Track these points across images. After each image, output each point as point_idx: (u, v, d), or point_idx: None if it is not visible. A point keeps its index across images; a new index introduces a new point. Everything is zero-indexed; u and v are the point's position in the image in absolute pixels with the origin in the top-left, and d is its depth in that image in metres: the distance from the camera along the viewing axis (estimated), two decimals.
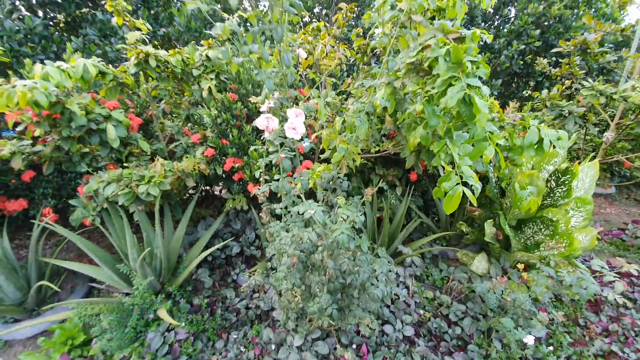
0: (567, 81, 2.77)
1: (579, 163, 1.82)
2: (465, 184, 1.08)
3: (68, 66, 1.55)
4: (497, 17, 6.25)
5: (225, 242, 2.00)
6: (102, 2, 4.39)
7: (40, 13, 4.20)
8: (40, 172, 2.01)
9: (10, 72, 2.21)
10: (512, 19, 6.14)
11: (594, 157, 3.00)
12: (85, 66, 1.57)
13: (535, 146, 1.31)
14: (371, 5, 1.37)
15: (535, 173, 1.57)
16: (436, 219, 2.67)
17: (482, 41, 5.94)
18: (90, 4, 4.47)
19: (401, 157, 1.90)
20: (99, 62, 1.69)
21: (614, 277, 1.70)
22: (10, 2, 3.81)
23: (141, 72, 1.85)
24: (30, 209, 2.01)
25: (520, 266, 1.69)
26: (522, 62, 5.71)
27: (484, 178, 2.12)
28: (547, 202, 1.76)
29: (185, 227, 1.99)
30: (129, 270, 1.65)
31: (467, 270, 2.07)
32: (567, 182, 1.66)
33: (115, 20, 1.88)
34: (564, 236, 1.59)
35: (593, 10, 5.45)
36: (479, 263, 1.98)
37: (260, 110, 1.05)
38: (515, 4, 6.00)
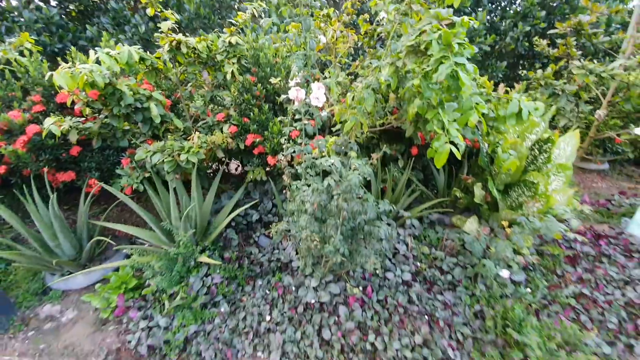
0: (560, 61, 2.98)
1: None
2: (453, 143, 1.37)
3: (115, 52, 1.83)
4: None
5: (246, 206, 2.32)
6: None
7: (53, 3, 4.42)
8: (85, 148, 2.34)
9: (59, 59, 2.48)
10: (518, 1, 6.15)
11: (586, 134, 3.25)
12: (130, 52, 1.85)
13: (516, 116, 1.59)
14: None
15: (519, 141, 1.85)
16: (435, 191, 2.97)
17: (488, 22, 6.03)
18: None
19: (403, 134, 2.19)
20: (139, 48, 1.96)
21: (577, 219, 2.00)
22: None
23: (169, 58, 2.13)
24: (77, 180, 2.34)
25: (505, 224, 2.00)
26: (527, 44, 5.81)
27: (477, 149, 2.40)
28: (531, 168, 2.05)
29: (213, 194, 2.32)
30: (172, 228, 1.99)
31: (460, 231, 2.39)
32: (547, 149, 1.93)
33: (148, 11, 2.13)
34: (543, 196, 1.89)
35: None
36: (471, 225, 2.29)
37: (290, 85, 1.34)
38: None
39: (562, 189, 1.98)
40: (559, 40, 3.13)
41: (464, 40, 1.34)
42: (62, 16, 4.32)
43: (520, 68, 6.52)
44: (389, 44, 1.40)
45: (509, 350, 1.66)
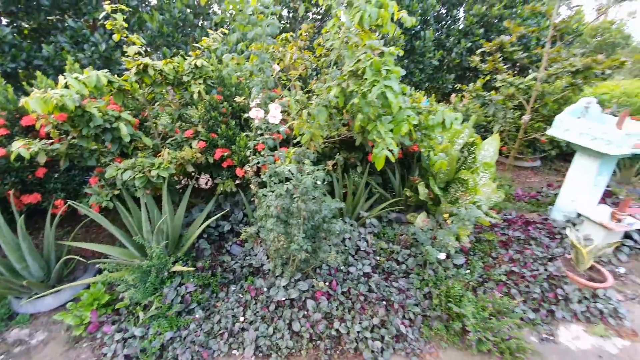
0: (488, 75, 3.55)
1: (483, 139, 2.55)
2: (390, 150, 1.70)
3: (83, 77, 1.97)
4: (448, 18, 7.05)
5: (217, 216, 2.48)
6: (71, 11, 4.59)
7: (4, 21, 4.32)
8: (50, 169, 2.38)
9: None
10: (461, 19, 6.98)
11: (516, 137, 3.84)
12: (98, 77, 2.00)
13: (441, 124, 1.97)
14: (327, 24, 1.87)
15: (449, 145, 2.25)
16: (393, 193, 3.33)
17: (436, 40, 6.74)
18: (58, 12, 4.64)
19: (364, 145, 2.52)
20: (106, 72, 2.11)
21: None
22: None
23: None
24: (42, 202, 2.37)
25: (446, 216, 2.37)
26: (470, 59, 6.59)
27: (419, 153, 2.80)
28: (463, 167, 2.46)
29: (184, 208, 2.46)
30: (143, 242, 2.11)
31: (413, 227, 2.73)
32: (473, 151, 2.35)
33: (115, 37, 2.29)
34: (473, 190, 2.29)
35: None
36: (420, 220, 2.65)
37: (251, 105, 1.59)
38: (463, 6, 6.84)
39: (487, 183, 2.41)
40: (490, 57, 3.72)
41: (391, 66, 1.69)
42: (15, 35, 4.23)
43: (467, 80, 7.34)
44: (331, 71, 1.72)
45: (451, 322, 1.98)
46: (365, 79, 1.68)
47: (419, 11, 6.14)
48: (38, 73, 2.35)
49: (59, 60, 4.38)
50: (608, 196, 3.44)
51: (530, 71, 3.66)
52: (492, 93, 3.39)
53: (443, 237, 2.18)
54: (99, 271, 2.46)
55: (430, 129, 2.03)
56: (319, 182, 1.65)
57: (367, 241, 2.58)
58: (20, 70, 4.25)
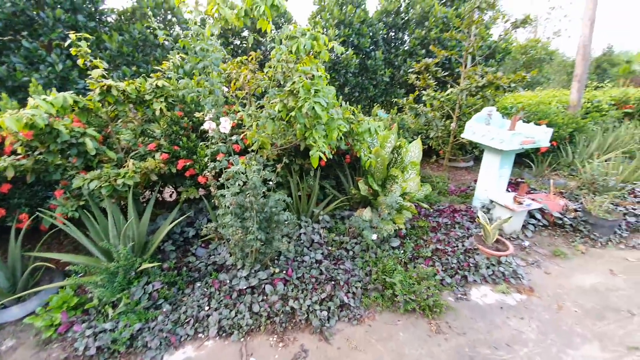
0: (416, 91, 4.27)
1: (410, 142, 3.16)
2: (323, 152, 2.17)
3: (51, 98, 2.24)
4: (395, 40, 8.00)
5: (181, 219, 2.77)
6: (25, 32, 4.68)
7: None
8: (13, 185, 2.54)
9: None
10: (406, 41, 7.96)
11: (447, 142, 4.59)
12: (65, 97, 2.27)
13: (368, 131, 2.50)
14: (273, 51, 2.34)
15: (379, 148, 2.80)
16: (346, 194, 3.83)
17: (386, 59, 7.60)
18: (12, 32, 4.71)
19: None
20: (71, 93, 2.38)
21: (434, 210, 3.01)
22: None
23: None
24: (6, 217, 2.50)
25: (383, 206, 2.89)
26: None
27: (358, 157, 3.34)
28: (395, 166, 3.01)
29: (149, 215, 2.72)
30: (110, 246, 2.34)
31: (360, 220, 3.22)
32: (400, 152, 2.92)
33: (79, 61, 2.57)
34: (401, 184, 2.84)
35: (458, 29, 7.45)
36: (366, 213, 3.15)
37: (205, 119, 1.98)
38: (407, 30, 7.82)
39: (413, 178, 2.98)
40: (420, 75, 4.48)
41: (321, 87, 2.19)
42: None
43: (414, 95, 8.27)
44: (271, 90, 2.18)
45: (385, 290, 2.45)
46: (300, 96, 2.17)
47: (370, 34, 6.99)
48: (4, 95, 2.54)
49: (12, 81, 4.43)
50: (515, 186, 4.24)
51: (448, 86, 4.45)
52: (428, 105, 4.10)
53: (378, 223, 2.68)
54: (65, 279, 2.61)
55: (360, 135, 2.56)
56: (270, 180, 2.06)
57: (320, 235, 3.01)
58: None
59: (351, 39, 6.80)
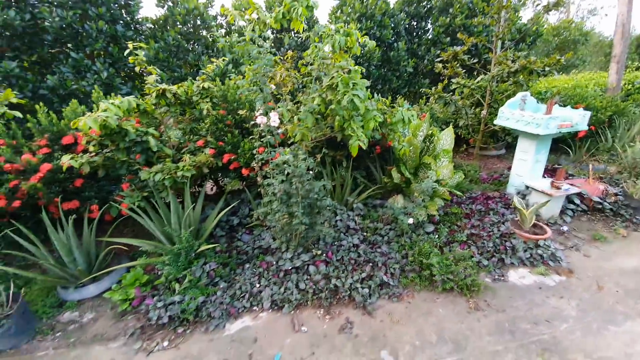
0: (445, 79, 4.36)
1: (441, 130, 3.29)
2: (361, 141, 2.39)
3: (118, 102, 2.61)
4: (418, 29, 8.01)
5: (228, 208, 3.09)
6: (72, 44, 5.21)
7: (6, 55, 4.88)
8: (85, 180, 2.96)
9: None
10: (429, 30, 7.95)
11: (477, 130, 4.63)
12: (129, 101, 2.64)
13: (401, 121, 2.69)
14: (307, 50, 2.59)
15: (411, 137, 2.95)
16: (376, 183, 4.02)
17: (409, 49, 7.63)
18: (60, 45, 5.28)
19: (344, 142, 3.19)
20: (134, 97, 2.75)
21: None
22: None
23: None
24: (80, 208, 2.93)
25: (416, 194, 3.06)
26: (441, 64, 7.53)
27: (389, 147, 3.51)
28: (428, 154, 3.16)
29: (201, 205, 3.06)
30: (172, 231, 2.70)
31: (394, 207, 3.41)
32: (433, 141, 3.06)
33: (136, 69, 2.94)
34: (434, 171, 2.99)
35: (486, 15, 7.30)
36: (399, 200, 3.33)
37: (256, 114, 2.26)
38: (430, 18, 7.81)
39: (446, 165, 3.12)
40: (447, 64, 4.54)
41: (358, 80, 2.40)
42: (20, 68, 4.78)
43: (440, 84, 8.27)
44: (313, 85, 2.42)
45: (422, 271, 2.63)
46: (339, 90, 2.39)
47: (392, 25, 7.07)
48: (74, 100, 2.97)
49: (63, 89, 4.99)
50: (552, 173, 4.22)
51: (475, 73, 4.48)
52: (457, 93, 4.17)
53: (412, 210, 2.86)
54: (132, 261, 3.02)
55: (394, 125, 2.74)
56: (311, 169, 2.31)
57: (355, 221, 3.23)
58: (24, 100, 4.82)
59: (373, 31, 6.92)
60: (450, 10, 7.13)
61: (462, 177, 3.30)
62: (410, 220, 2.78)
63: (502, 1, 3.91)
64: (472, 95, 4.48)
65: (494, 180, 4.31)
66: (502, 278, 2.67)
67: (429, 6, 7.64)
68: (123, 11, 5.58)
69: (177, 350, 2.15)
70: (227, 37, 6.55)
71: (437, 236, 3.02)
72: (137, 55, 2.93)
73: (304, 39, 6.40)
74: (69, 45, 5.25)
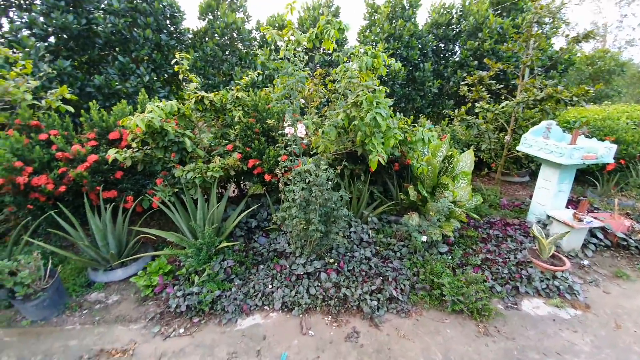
0: (469, 103, 4.45)
1: (462, 152, 3.37)
2: (381, 157, 2.54)
3: (162, 105, 2.92)
4: (445, 51, 8.17)
5: (249, 210, 3.29)
6: (118, 48, 5.74)
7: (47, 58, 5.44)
8: (124, 173, 3.28)
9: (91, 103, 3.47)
10: (457, 53, 8.09)
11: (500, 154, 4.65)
12: (172, 105, 2.94)
13: (421, 140, 2.83)
14: (336, 68, 2.83)
15: (431, 157, 3.06)
16: (392, 200, 4.12)
17: (435, 70, 7.79)
18: (108, 49, 5.85)
19: (363, 156, 3.36)
20: (175, 101, 3.06)
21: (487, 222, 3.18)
22: (44, 48, 4.98)
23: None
24: (117, 198, 3.24)
25: (432, 213, 3.14)
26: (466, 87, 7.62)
27: (408, 165, 3.62)
28: (446, 175, 3.24)
29: (225, 203, 3.29)
30: (196, 226, 2.92)
31: (409, 224, 3.49)
32: (452, 162, 3.15)
33: (180, 77, 3.28)
34: (451, 192, 3.07)
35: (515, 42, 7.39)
36: (414, 218, 3.41)
37: (285, 125, 2.48)
38: (458, 41, 7.97)
39: (464, 187, 3.19)
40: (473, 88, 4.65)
41: (382, 99, 2.58)
42: (72, 67, 5.31)
43: (464, 107, 8.32)
44: (339, 102, 2.62)
45: (433, 290, 2.68)
46: (363, 107, 2.58)
47: (419, 46, 7.29)
48: (123, 102, 3.33)
49: (107, 89, 5.50)
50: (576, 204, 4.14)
51: (502, 98, 4.54)
52: (480, 117, 4.24)
53: (426, 228, 2.94)
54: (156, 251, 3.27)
55: (414, 144, 2.88)
56: (331, 179, 2.48)
57: (369, 234, 3.34)
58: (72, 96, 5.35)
59: (400, 51, 7.16)
60: (479, 34, 7.26)
61: (480, 200, 3.34)
62: (424, 238, 2.86)
63: (531, 30, 4.01)
64: (496, 119, 4.53)
65: (514, 207, 4.29)
66: (515, 306, 2.67)
67: (457, 29, 7.81)
68: (168, 22, 6.14)
69: (192, 338, 2.32)
70: (261, 50, 7.02)
71: (450, 257, 3.07)
72: (182, 64, 3.27)
73: (333, 57, 6.76)
74: (117, 49, 5.82)
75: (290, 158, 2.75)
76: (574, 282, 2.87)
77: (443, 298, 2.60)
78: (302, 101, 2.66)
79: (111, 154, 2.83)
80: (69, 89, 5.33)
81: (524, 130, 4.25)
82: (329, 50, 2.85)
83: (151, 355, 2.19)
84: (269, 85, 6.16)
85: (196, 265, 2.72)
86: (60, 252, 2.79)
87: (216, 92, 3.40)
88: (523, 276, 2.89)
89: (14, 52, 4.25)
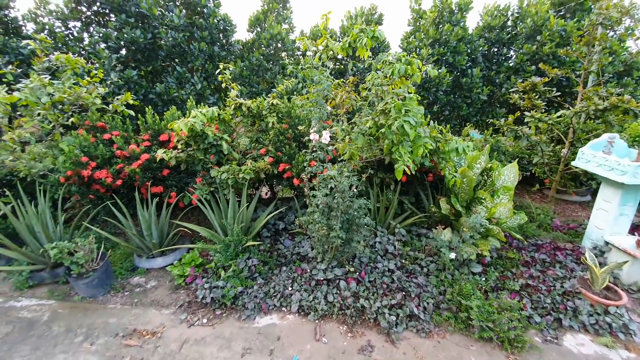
0: (517, 111, 4.07)
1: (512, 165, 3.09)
2: (407, 166, 2.47)
3: (204, 111, 3.19)
4: (497, 56, 7.61)
5: (277, 212, 3.41)
6: (177, 59, 6.37)
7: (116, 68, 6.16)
8: (170, 171, 3.64)
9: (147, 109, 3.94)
10: (511, 57, 7.49)
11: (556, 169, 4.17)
12: (213, 111, 3.20)
13: (455, 151, 2.68)
14: (368, 75, 2.84)
15: (466, 168, 2.86)
16: (425, 211, 3.93)
17: (484, 76, 7.34)
18: (169, 60, 6.52)
19: (392, 165, 3.29)
20: (217, 107, 3.32)
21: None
22: (116, 59, 5.70)
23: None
24: (162, 193, 3.60)
25: (465, 229, 2.94)
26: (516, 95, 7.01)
27: (443, 176, 3.43)
28: (484, 189, 3.00)
29: (253, 207, 3.46)
30: (227, 224, 3.12)
31: (438, 239, 3.30)
32: (491, 175, 2.91)
33: (223, 85, 3.56)
34: (485, 207, 2.83)
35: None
36: (446, 233, 3.22)
37: (310, 131, 2.54)
38: (513, 45, 7.39)
39: (503, 203, 2.92)
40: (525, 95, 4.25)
41: (410, 107, 2.51)
42: (138, 76, 6.02)
43: (516, 114, 7.63)
44: (365, 110, 2.61)
45: (460, 313, 2.50)
46: (391, 115, 2.53)
47: (467, 51, 6.91)
48: (173, 107, 3.72)
49: (166, 95, 6.13)
50: None
51: (565, 106, 4.05)
52: (532, 127, 3.85)
53: (458, 245, 2.76)
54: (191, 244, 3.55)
55: (446, 154, 2.74)
56: (353, 186, 2.48)
57: (394, 246, 3.23)
58: (137, 102, 6.04)
59: (445, 57, 6.85)
60: (538, 37, 6.64)
61: (524, 219, 3.03)
62: (452, 255, 2.68)
63: (595, 33, 3.56)
64: (551, 130, 4.08)
65: (569, 230, 3.81)
66: (555, 340, 2.37)
67: (513, 32, 7.25)
68: (221, 35, 6.68)
69: (213, 329, 2.46)
70: (303, 59, 7.29)
71: (484, 279, 2.83)
72: (225, 74, 3.55)
73: (366, 65, 6.77)
74: (176, 60, 6.47)
75: (318, 164, 2.81)
76: (630, 320, 2.45)
77: (470, 322, 2.41)
78: (330, 109, 2.71)
79: (159, 153, 3.16)
80: (134, 95, 6.07)
81: (583, 144, 3.76)
82: (364, 57, 2.86)
83: (176, 340, 2.37)
84: (308, 92, 6.36)
85: (224, 261, 2.90)
86: (112, 238, 3.18)
87: (254, 100, 3.61)
88: (568, 308, 2.55)
89: (92, 63, 4.96)
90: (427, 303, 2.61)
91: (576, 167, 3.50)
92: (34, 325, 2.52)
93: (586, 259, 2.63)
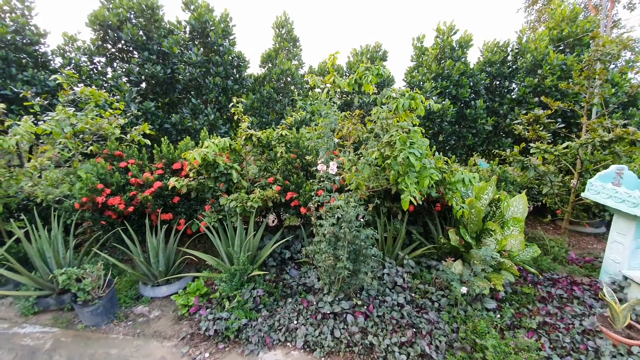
0: (523, 142, 4.10)
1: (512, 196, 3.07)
2: (413, 197, 2.48)
3: (217, 141, 3.32)
4: (500, 88, 7.83)
5: (284, 240, 3.39)
6: (193, 92, 6.73)
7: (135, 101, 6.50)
8: (180, 198, 3.71)
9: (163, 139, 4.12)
10: (514, 89, 7.69)
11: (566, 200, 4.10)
12: (225, 141, 3.33)
13: (461, 181, 2.70)
14: (373, 109, 2.97)
15: (474, 199, 2.84)
16: (433, 242, 3.85)
17: (488, 108, 7.50)
18: (185, 93, 6.89)
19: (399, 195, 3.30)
20: (229, 137, 3.46)
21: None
22: (136, 92, 6.04)
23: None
24: (172, 220, 3.65)
25: (477, 262, 2.86)
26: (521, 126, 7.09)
27: (450, 206, 3.40)
28: (492, 220, 2.95)
29: (261, 233, 3.46)
30: (233, 252, 3.10)
31: (449, 272, 3.20)
32: (500, 206, 2.88)
33: (236, 117, 3.73)
34: (498, 240, 2.77)
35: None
36: (456, 266, 3.13)
37: (318, 162, 2.61)
38: (515, 79, 7.61)
39: (514, 235, 2.86)
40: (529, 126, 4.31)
41: (415, 139, 2.57)
42: (155, 107, 6.34)
43: (521, 145, 7.66)
44: (371, 141, 2.69)
45: (474, 353, 2.36)
46: (396, 147, 2.59)
47: (469, 84, 7.14)
48: (187, 138, 3.88)
49: (181, 125, 6.40)
50: None
51: (572, 137, 4.08)
52: (539, 158, 3.86)
53: (470, 278, 2.67)
54: (197, 272, 3.51)
55: (453, 185, 2.75)
56: (360, 215, 2.48)
57: (403, 279, 3.14)
58: (153, 132, 6.28)
59: (448, 90, 7.08)
60: (539, 71, 6.85)
61: (537, 251, 2.95)
62: (464, 290, 2.59)
63: (593, 68, 3.68)
64: (558, 160, 4.08)
65: (585, 263, 3.66)
66: None
67: (514, 67, 7.51)
68: (234, 70, 7.09)
69: None
70: (311, 92, 7.61)
71: (499, 316, 2.70)
72: (237, 107, 3.73)
73: (371, 100, 7.05)
74: (192, 93, 6.84)
75: (325, 193, 2.84)
76: None
77: None
78: (337, 140, 2.79)
79: (172, 181, 3.25)
80: (151, 125, 6.35)
81: (592, 174, 3.73)
82: (369, 92, 3.00)
83: None
84: (316, 124, 6.59)
85: (228, 291, 2.85)
86: (119, 265, 3.18)
87: (264, 130, 3.75)
88: (589, 348, 2.38)
89: (113, 95, 5.27)
90: (440, 341, 2.48)
91: (586, 199, 3.44)
92: (36, 353, 2.47)
93: (604, 295, 2.50)
